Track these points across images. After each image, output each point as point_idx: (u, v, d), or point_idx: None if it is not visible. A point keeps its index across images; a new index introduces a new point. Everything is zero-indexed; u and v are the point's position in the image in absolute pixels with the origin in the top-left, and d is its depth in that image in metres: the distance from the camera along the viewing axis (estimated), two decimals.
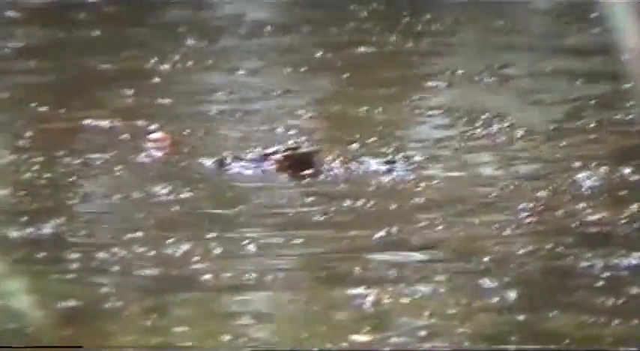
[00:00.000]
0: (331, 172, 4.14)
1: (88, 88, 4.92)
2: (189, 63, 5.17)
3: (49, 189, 4.04)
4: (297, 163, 4.08)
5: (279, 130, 4.52)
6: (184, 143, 4.40)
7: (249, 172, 4.12)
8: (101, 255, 3.60)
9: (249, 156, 4.15)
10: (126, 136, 4.45)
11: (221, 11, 5.78)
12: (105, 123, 4.57)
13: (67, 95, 4.84)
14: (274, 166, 4.07)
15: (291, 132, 4.50)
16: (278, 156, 4.10)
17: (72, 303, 3.34)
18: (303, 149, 4.10)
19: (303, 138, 4.15)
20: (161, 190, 4.00)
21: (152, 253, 3.61)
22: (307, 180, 4.07)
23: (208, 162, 4.23)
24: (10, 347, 2.99)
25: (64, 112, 4.68)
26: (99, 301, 3.36)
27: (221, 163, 4.11)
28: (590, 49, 5.20)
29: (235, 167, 4.14)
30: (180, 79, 5.04)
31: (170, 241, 3.66)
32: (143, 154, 4.29)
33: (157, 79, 5.01)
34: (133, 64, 5.14)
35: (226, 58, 5.24)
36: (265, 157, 4.11)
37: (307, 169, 4.04)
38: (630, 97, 4.60)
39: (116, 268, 3.54)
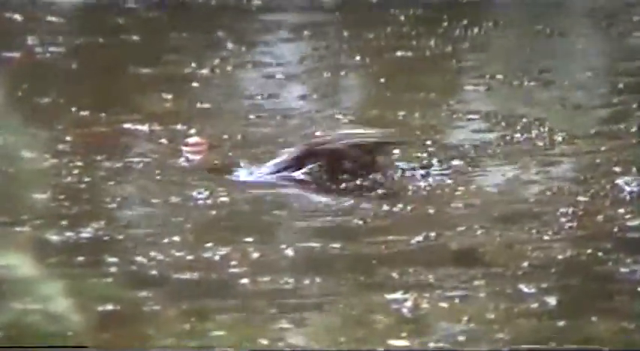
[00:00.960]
0: (369, 177, 4.14)
1: (127, 92, 4.95)
2: (228, 67, 5.19)
3: (89, 193, 4.06)
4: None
5: (318, 134, 4.52)
6: (222, 147, 4.42)
7: (290, 175, 4.12)
8: (139, 259, 3.62)
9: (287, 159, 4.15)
10: (164, 140, 4.47)
11: (260, 16, 5.79)
12: (144, 127, 4.59)
13: (107, 100, 4.87)
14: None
15: (330, 136, 4.50)
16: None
17: (111, 306, 3.36)
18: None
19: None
20: (199, 194, 4.01)
21: (190, 257, 3.62)
22: (344, 185, 4.06)
23: (246, 166, 4.24)
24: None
25: (103, 116, 4.71)
26: (137, 305, 3.37)
27: (258, 168, 4.11)
28: (632, 53, 5.16)
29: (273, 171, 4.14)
30: (218, 84, 5.05)
31: (208, 245, 3.67)
32: (181, 159, 4.31)
33: (195, 84, 5.03)
34: (171, 69, 5.17)
35: (265, 62, 5.25)
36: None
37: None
38: None
39: (154, 272, 3.55)
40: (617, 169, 4.06)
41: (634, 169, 4.04)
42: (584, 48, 5.25)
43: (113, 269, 3.56)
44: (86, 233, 3.76)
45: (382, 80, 5.01)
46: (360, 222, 3.81)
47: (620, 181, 3.94)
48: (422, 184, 4.06)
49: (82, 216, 3.86)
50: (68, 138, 4.49)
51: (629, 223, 3.69)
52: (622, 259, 3.48)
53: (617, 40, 5.31)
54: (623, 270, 3.44)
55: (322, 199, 3.98)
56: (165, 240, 3.72)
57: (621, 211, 3.76)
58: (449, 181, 4.07)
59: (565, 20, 5.53)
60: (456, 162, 4.20)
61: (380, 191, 4.02)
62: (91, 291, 3.43)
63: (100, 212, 3.89)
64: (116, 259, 3.61)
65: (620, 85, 4.83)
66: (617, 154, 4.21)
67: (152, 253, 3.63)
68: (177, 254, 3.63)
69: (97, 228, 3.79)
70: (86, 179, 4.14)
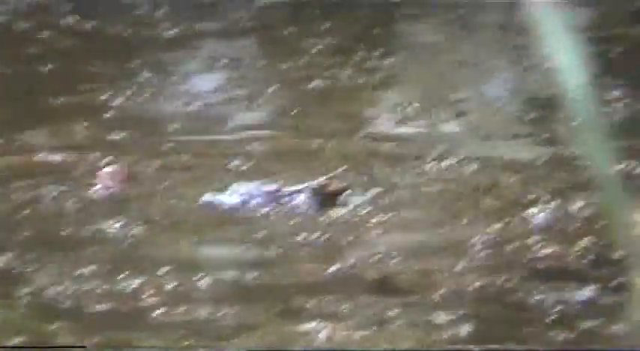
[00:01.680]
0: (285, 206, 4.14)
1: (41, 122, 4.90)
2: (144, 96, 5.17)
3: (0, 223, 4.00)
4: (325, 199, 4.10)
5: (235, 163, 4.52)
6: (137, 177, 4.39)
7: (217, 206, 4.11)
8: (51, 291, 3.57)
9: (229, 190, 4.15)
10: (79, 170, 4.43)
11: (175, 45, 5.78)
12: (58, 157, 4.55)
13: (20, 129, 4.81)
14: (299, 201, 4.08)
15: (248, 165, 4.50)
16: (308, 192, 4.12)
17: (21, 339, 3.31)
18: (333, 187, 4.13)
19: (329, 175, 4.16)
20: (113, 224, 3.98)
21: (104, 288, 3.59)
22: (262, 214, 4.06)
23: (162, 196, 4.22)
24: (10, 347, 2.96)
25: (16, 146, 4.66)
26: (48, 338, 3.33)
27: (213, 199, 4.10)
28: (542, 85, 5.25)
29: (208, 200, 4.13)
30: (134, 113, 5.03)
31: (122, 276, 3.64)
32: (96, 188, 4.27)
33: (111, 113, 5.00)
34: (86, 98, 5.13)
35: (181, 91, 5.23)
36: (290, 194, 4.11)
37: (333, 204, 4.07)
38: (579, 133, 4.64)
39: (66, 304, 3.51)
40: (527, 199, 4.12)
41: (544, 199, 4.10)
42: (496, 79, 5.33)
43: (24, 301, 3.51)
44: None
45: (298, 110, 5.03)
46: (277, 251, 3.81)
47: (530, 211, 4.00)
48: (339, 212, 4.08)
49: None
50: None
51: (540, 253, 3.74)
52: (533, 288, 3.53)
53: (527, 72, 5.39)
54: (534, 298, 3.48)
55: (238, 228, 3.97)
56: (78, 271, 3.68)
57: (532, 240, 3.82)
58: (366, 210, 4.09)
59: (477, 52, 5.61)
60: (371, 191, 4.22)
61: (296, 220, 4.03)
62: (1, 323, 3.37)
63: (10, 243, 3.84)
64: (27, 290, 3.56)
65: (530, 116, 4.91)
66: (528, 185, 4.27)
67: (65, 284, 3.59)
68: (90, 285, 3.59)
69: (9, 259, 3.73)
70: None
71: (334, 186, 4.14)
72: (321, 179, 4.15)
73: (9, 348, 2.94)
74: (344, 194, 4.14)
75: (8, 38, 5.78)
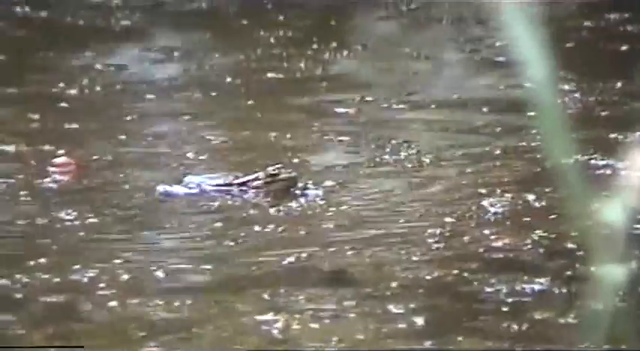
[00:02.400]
0: (240, 197, 4.13)
1: None
2: (97, 88, 5.13)
3: None
4: (279, 190, 4.09)
5: (190, 154, 4.50)
6: (90, 168, 4.36)
7: (173, 197, 4.09)
8: (4, 281, 3.54)
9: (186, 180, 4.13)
10: (31, 161, 4.39)
11: (129, 36, 5.74)
12: (10, 148, 4.51)
13: None
14: (252, 193, 4.07)
15: (203, 157, 4.48)
16: (259, 182, 4.11)
17: None
18: (283, 175, 4.12)
19: (277, 166, 4.14)
20: (66, 215, 3.95)
21: (57, 279, 3.56)
22: (218, 205, 4.05)
23: (116, 187, 4.19)
24: (10, 347, 2.93)
25: None
26: (0, 329, 3.29)
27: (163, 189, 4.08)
28: (496, 77, 5.28)
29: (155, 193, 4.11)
30: (87, 104, 4.99)
31: (76, 267, 3.62)
32: (48, 179, 4.24)
33: (63, 104, 4.96)
34: (39, 89, 5.09)
35: (135, 82, 5.20)
36: (243, 184, 4.10)
37: (286, 195, 4.07)
38: (533, 125, 4.68)
39: (19, 294, 3.48)
40: (482, 190, 4.15)
41: (498, 191, 4.12)
42: (450, 72, 5.35)
43: None
44: None
45: (253, 101, 5.02)
46: (231, 243, 3.81)
47: (485, 203, 4.03)
48: (293, 204, 4.08)
49: None
50: None
51: (494, 244, 3.76)
52: (487, 279, 3.55)
53: (480, 65, 5.42)
54: (487, 290, 3.50)
55: (194, 220, 3.96)
56: (31, 262, 3.65)
57: (486, 232, 3.84)
58: (320, 202, 4.09)
59: (431, 45, 5.63)
60: (326, 183, 4.23)
61: (251, 212, 4.02)
62: None
63: None
64: None
65: (485, 109, 4.94)
66: (482, 176, 4.30)
67: (17, 276, 3.56)
68: (44, 276, 3.57)
69: None
70: None
71: (284, 176, 4.14)
72: (270, 169, 4.15)
73: (9, 348, 2.92)
74: (297, 186, 4.14)
75: None
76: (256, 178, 4.13)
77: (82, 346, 3.06)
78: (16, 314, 3.36)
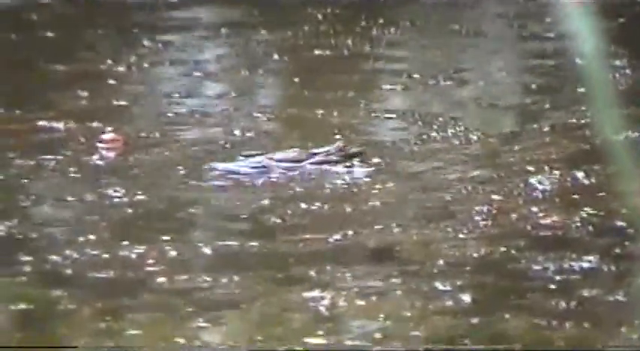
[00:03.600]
0: (288, 174, 4.14)
1: (42, 90, 4.89)
2: (145, 65, 5.15)
3: (2, 191, 4.00)
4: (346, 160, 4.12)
5: (237, 132, 4.51)
6: (139, 145, 4.38)
7: (225, 175, 4.11)
8: (54, 258, 3.57)
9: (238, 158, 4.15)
10: (80, 137, 4.42)
11: (176, 13, 5.76)
12: (59, 125, 4.54)
13: (21, 97, 4.80)
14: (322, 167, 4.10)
15: (249, 134, 4.49)
16: (332, 157, 4.13)
17: (24, 306, 3.31)
18: (353, 149, 4.14)
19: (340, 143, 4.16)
20: (114, 192, 3.98)
21: (106, 255, 3.59)
22: (264, 182, 4.06)
23: (163, 164, 4.21)
24: (11, 347, 2.97)
25: (18, 114, 4.65)
26: (51, 304, 3.33)
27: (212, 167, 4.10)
28: (545, 54, 5.24)
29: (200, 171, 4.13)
30: (135, 81, 5.01)
31: (124, 243, 3.64)
32: (96, 156, 4.27)
33: (111, 81, 4.98)
34: (87, 66, 5.11)
35: (182, 60, 5.22)
36: (314, 158, 4.13)
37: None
38: (583, 102, 4.64)
39: (69, 270, 3.51)
40: (530, 168, 4.12)
41: (546, 168, 4.10)
42: (498, 48, 5.31)
43: (27, 268, 3.52)
44: None
45: (300, 79, 5.02)
46: (278, 220, 3.81)
47: (533, 180, 4.00)
48: (339, 182, 4.08)
49: None
50: None
51: (542, 222, 3.74)
52: (534, 257, 3.53)
53: (529, 41, 5.37)
54: (535, 267, 3.48)
55: (241, 197, 3.97)
56: (81, 238, 3.68)
57: (534, 209, 3.82)
58: (366, 180, 4.09)
59: (480, 21, 5.59)
60: (373, 160, 4.22)
61: (298, 189, 4.02)
62: (4, 290, 3.38)
63: (13, 210, 3.84)
64: (30, 257, 3.57)
65: (533, 86, 4.90)
66: (531, 154, 4.27)
67: (67, 252, 3.59)
68: (93, 253, 3.59)
69: (10, 226, 3.74)
70: None
71: (355, 150, 4.16)
72: (340, 143, 4.15)
73: (7, 348, 2.95)
74: (353, 161, 4.14)
75: (11, 5, 5.75)
76: (327, 153, 4.13)
77: (76, 347, 3.08)
78: (67, 290, 3.39)
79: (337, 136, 4.21)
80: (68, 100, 4.80)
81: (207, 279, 3.45)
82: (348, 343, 3.16)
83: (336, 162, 4.12)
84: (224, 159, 4.22)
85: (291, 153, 4.15)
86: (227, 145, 4.38)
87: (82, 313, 3.30)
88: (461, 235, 3.67)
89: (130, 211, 3.88)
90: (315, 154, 4.13)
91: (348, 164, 4.14)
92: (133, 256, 3.57)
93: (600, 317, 3.23)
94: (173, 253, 3.59)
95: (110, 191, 3.99)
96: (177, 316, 3.28)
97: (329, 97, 4.82)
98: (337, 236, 3.68)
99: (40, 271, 3.51)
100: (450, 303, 3.32)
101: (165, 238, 3.68)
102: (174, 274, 3.47)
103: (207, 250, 3.61)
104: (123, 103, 4.77)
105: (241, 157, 4.16)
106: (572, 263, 3.50)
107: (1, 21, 5.60)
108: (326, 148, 4.14)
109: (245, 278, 3.46)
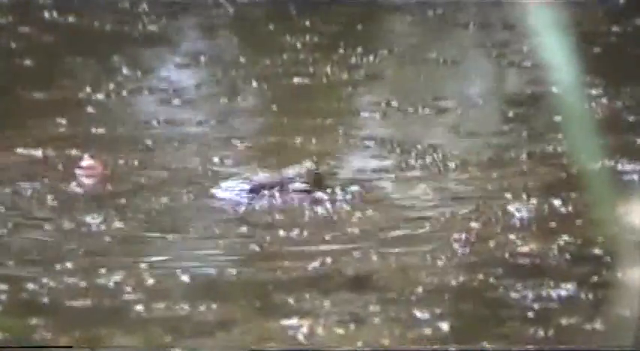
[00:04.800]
0: (265, 202, 4.14)
1: (20, 117, 4.88)
2: (124, 93, 5.15)
3: None
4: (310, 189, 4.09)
5: (215, 159, 4.51)
6: (117, 172, 4.38)
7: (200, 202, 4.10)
8: (31, 286, 3.56)
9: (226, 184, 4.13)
10: (58, 165, 4.42)
11: (155, 42, 5.77)
12: (37, 152, 4.53)
13: (0, 124, 4.79)
14: (295, 197, 4.07)
15: (227, 161, 4.50)
16: (298, 185, 4.11)
17: (0, 335, 3.29)
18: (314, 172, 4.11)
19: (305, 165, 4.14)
20: (92, 219, 3.97)
21: (83, 283, 3.58)
22: (243, 210, 4.06)
23: (142, 191, 4.21)
24: (10, 347, 2.95)
25: None
26: (28, 333, 3.31)
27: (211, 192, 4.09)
28: (523, 82, 5.27)
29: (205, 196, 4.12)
30: (114, 109, 5.01)
31: (102, 271, 3.63)
32: (74, 183, 4.26)
33: (90, 109, 4.98)
34: (66, 94, 5.11)
35: (161, 88, 5.22)
36: (283, 186, 4.09)
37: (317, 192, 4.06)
38: (560, 130, 4.67)
39: (46, 299, 3.50)
40: (508, 195, 4.14)
41: (524, 196, 4.11)
42: (476, 77, 5.34)
43: (2, 297, 3.50)
44: None
45: (279, 106, 5.03)
46: (257, 248, 3.81)
47: (511, 208, 4.01)
48: (318, 209, 4.08)
49: None
50: None
51: (520, 249, 3.75)
52: (513, 285, 3.54)
53: (507, 69, 5.41)
54: (513, 295, 3.49)
55: (219, 224, 3.97)
56: (58, 266, 3.67)
57: (512, 237, 3.83)
58: (345, 207, 4.09)
59: (458, 50, 5.62)
60: (352, 188, 4.23)
61: (277, 216, 4.02)
62: None
63: None
64: (6, 286, 3.55)
65: (510, 114, 4.93)
66: (508, 181, 4.28)
67: (44, 280, 3.58)
68: (70, 281, 3.58)
69: None
70: None
71: (320, 171, 4.14)
72: (308, 164, 4.14)
73: (9, 348, 2.93)
74: (323, 191, 4.13)
75: None
76: (299, 175, 4.12)
77: (71, 346, 3.07)
78: (43, 318, 3.38)
79: (307, 161, 4.21)
80: (47, 127, 4.79)
81: (185, 307, 3.44)
82: None
83: (311, 188, 4.11)
84: (202, 186, 4.22)
85: (265, 176, 4.14)
86: (207, 173, 4.38)
87: (58, 341, 3.28)
88: (439, 263, 3.68)
89: (107, 238, 3.87)
90: (290, 178, 4.12)
91: (327, 191, 4.14)
92: (111, 284, 3.56)
93: (578, 345, 3.24)
94: (151, 281, 3.58)
95: (88, 218, 3.98)
96: (155, 344, 3.27)
97: (307, 124, 4.83)
98: (315, 263, 3.68)
99: (17, 300, 3.49)
100: (428, 331, 3.32)
101: (142, 265, 3.67)
102: (152, 302, 3.46)
103: (185, 278, 3.60)
104: (101, 130, 4.77)
105: (226, 184, 4.16)
106: (550, 291, 3.51)
107: None
108: (296, 170, 4.13)
109: (223, 306, 3.45)
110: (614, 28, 5.88)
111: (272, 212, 4.05)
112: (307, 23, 5.95)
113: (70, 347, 3.05)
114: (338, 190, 4.19)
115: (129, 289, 3.54)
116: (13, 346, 2.99)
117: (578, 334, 3.30)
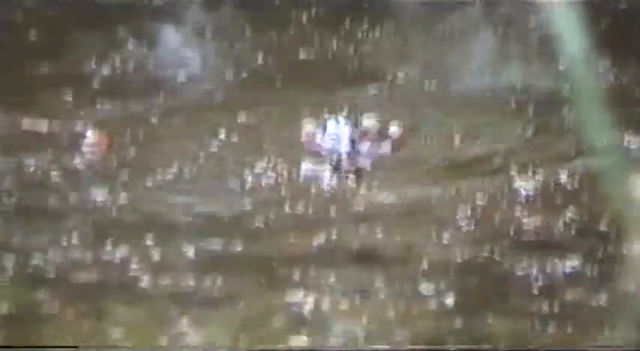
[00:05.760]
0: (271, 177, 4.14)
1: (25, 91, 4.88)
2: (129, 67, 5.14)
3: None
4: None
5: (221, 136, 4.51)
6: (123, 146, 4.38)
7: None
8: (37, 260, 3.57)
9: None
10: (63, 139, 4.42)
11: (161, 15, 5.75)
12: (42, 126, 4.53)
13: (4, 98, 4.79)
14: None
15: (233, 137, 4.49)
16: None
17: (6, 307, 3.30)
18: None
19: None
20: (97, 193, 3.97)
21: (89, 258, 3.58)
22: (247, 186, 4.06)
23: (147, 166, 4.21)
24: (10, 347, 2.97)
25: (0, 114, 4.63)
26: (34, 306, 3.32)
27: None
28: (529, 56, 5.25)
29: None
30: (120, 83, 5.00)
31: (107, 246, 3.64)
32: (80, 157, 4.26)
33: (95, 84, 4.98)
34: (72, 68, 5.10)
35: (167, 62, 5.21)
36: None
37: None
38: (567, 103, 4.66)
39: (52, 273, 3.50)
40: (513, 172, 4.13)
41: (530, 172, 4.11)
42: (483, 49, 5.32)
43: (9, 270, 3.51)
44: None
45: (285, 80, 5.02)
46: (262, 223, 3.81)
47: (516, 183, 4.01)
48: (324, 185, 4.08)
49: None
50: None
51: (525, 224, 3.75)
52: (517, 260, 3.54)
53: (514, 43, 5.39)
54: (518, 270, 3.49)
55: (225, 199, 3.97)
56: (64, 240, 3.67)
57: (517, 212, 3.82)
58: (350, 183, 4.09)
59: (464, 23, 5.60)
60: (358, 163, 4.22)
61: (282, 192, 4.02)
62: None
63: None
64: (12, 260, 3.56)
65: (518, 88, 4.91)
66: (514, 156, 4.28)
67: (50, 254, 3.58)
68: (76, 255, 3.59)
69: None
70: None
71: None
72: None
73: (9, 348, 2.95)
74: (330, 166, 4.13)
75: None
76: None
77: (77, 346, 3.08)
78: (50, 292, 3.39)
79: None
80: (52, 101, 4.79)
81: (191, 281, 3.45)
82: (332, 344, 3.16)
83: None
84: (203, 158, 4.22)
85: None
86: (213, 149, 4.38)
87: (65, 314, 3.29)
88: (445, 238, 3.68)
89: (113, 213, 3.87)
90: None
91: (328, 166, 4.14)
92: (116, 258, 3.57)
93: (583, 320, 3.24)
94: (157, 255, 3.59)
95: (93, 192, 3.98)
96: (161, 317, 3.28)
97: (313, 99, 4.82)
98: (320, 239, 3.68)
99: (23, 274, 3.50)
100: (433, 305, 3.32)
101: (148, 240, 3.67)
102: (158, 276, 3.47)
103: (190, 253, 3.61)
104: (107, 105, 4.77)
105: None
106: (556, 266, 3.51)
107: None
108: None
109: (228, 280, 3.45)
110: (622, 5, 5.86)
111: (277, 188, 4.05)
112: None
113: (77, 347, 3.06)
114: (344, 165, 4.19)
115: (135, 263, 3.55)
116: (14, 346, 3.00)
117: (582, 309, 3.31)
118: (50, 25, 5.54)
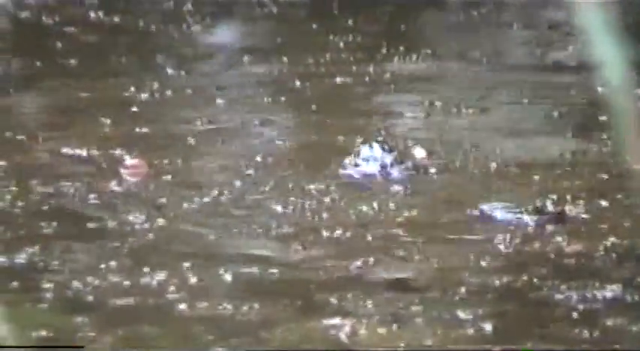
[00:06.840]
0: (308, 202, 4.14)
1: (65, 117, 4.91)
2: (168, 92, 5.17)
3: (23, 218, 4.01)
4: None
5: (258, 159, 4.52)
6: (161, 171, 4.39)
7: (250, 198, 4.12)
8: (75, 284, 3.58)
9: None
10: (102, 164, 4.44)
11: (200, 40, 5.79)
12: (81, 152, 4.56)
13: (44, 124, 4.83)
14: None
15: (270, 161, 4.50)
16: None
17: (45, 333, 3.32)
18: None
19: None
20: (135, 218, 3.99)
21: (127, 282, 3.59)
22: (284, 210, 4.06)
23: (185, 190, 4.22)
24: (10, 347, 2.97)
25: (40, 141, 4.67)
26: (73, 331, 3.33)
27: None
28: (567, 82, 5.23)
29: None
30: (158, 108, 5.03)
31: (145, 270, 3.64)
32: (118, 182, 4.28)
33: (134, 108, 5.01)
34: (110, 93, 5.14)
35: (205, 87, 5.24)
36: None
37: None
38: (606, 129, 4.63)
39: (90, 297, 3.51)
40: (553, 196, 4.10)
41: (568, 197, 4.08)
42: (520, 75, 5.31)
43: (48, 295, 3.52)
44: (20, 259, 3.71)
45: (322, 106, 5.03)
46: (299, 247, 3.81)
47: (557, 208, 3.98)
48: (363, 208, 4.08)
49: (15, 241, 3.81)
50: (2, 162, 4.44)
51: (565, 250, 3.72)
52: (557, 285, 3.51)
53: (551, 69, 5.37)
54: (558, 296, 3.46)
55: (261, 224, 3.97)
56: (102, 265, 3.68)
57: (558, 237, 3.80)
58: (389, 207, 4.08)
59: (501, 48, 5.59)
60: (395, 188, 4.21)
61: (318, 216, 4.02)
62: (25, 317, 3.38)
63: (34, 237, 3.85)
64: (51, 284, 3.57)
65: (555, 113, 4.89)
66: (553, 182, 4.25)
67: (88, 279, 3.59)
68: (114, 279, 3.60)
69: (32, 253, 3.74)
70: (20, 204, 4.09)
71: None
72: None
73: (9, 348, 2.95)
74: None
75: (35, 33, 5.80)
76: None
77: (83, 346, 3.08)
78: (88, 316, 3.39)
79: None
80: (91, 127, 4.82)
81: (228, 306, 3.44)
82: None
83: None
84: (248, 188, 4.23)
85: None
86: (249, 171, 4.39)
87: (102, 340, 3.30)
88: (483, 263, 3.66)
89: (151, 237, 3.88)
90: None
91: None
92: (154, 282, 3.57)
93: (623, 346, 3.21)
94: (194, 280, 3.59)
95: (131, 217, 3.99)
96: (198, 343, 3.27)
97: (350, 123, 4.82)
98: (358, 263, 3.67)
99: (62, 298, 3.51)
100: (471, 331, 3.30)
101: (186, 264, 3.68)
102: (195, 301, 3.47)
103: (228, 277, 3.61)
104: (145, 130, 4.79)
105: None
106: (596, 292, 3.48)
107: (26, 48, 5.64)
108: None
109: (265, 306, 3.45)
110: None
111: (315, 212, 4.04)
112: (350, 22, 5.94)
113: (82, 347, 3.06)
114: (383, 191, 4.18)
115: (172, 287, 3.55)
116: (14, 346, 3.00)
117: (623, 335, 3.27)
118: (90, 51, 5.58)
